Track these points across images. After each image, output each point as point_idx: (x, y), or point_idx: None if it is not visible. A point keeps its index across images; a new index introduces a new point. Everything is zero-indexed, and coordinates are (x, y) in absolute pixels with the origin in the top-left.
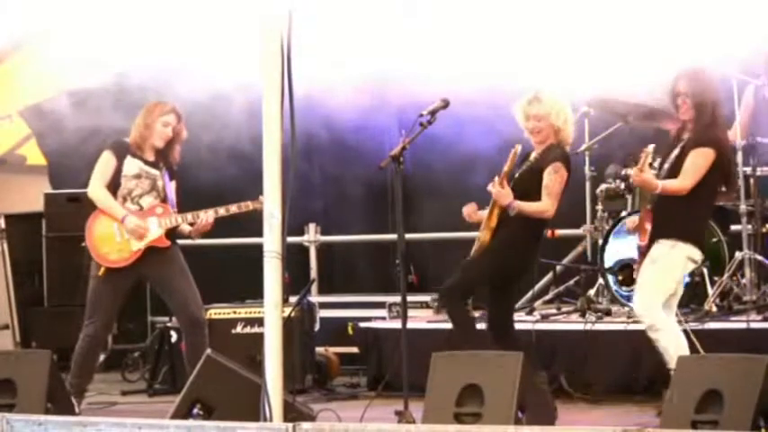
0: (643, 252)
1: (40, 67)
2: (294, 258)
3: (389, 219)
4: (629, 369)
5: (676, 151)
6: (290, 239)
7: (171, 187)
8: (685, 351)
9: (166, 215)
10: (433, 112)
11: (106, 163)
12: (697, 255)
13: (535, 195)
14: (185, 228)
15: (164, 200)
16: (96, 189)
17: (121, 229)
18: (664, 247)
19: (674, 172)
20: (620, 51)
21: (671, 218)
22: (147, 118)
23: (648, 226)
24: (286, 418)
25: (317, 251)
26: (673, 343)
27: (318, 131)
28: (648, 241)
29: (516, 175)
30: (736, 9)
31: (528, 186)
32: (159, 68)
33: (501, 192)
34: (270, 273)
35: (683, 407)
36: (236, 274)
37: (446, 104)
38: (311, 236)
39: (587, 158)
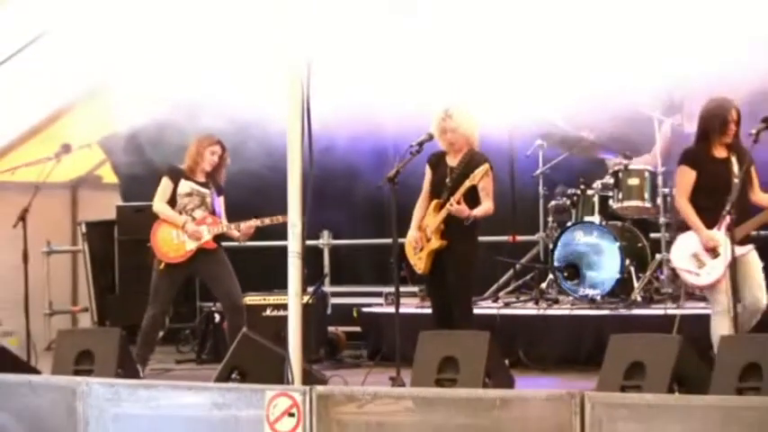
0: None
1: (109, 105)
2: (311, 258)
3: (386, 227)
4: (572, 345)
5: (736, 168)
6: (308, 243)
7: (219, 202)
8: None
9: (214, 225)
10: (420, 144)
11: (165, 185)
12: None
13: (465, 193)
14: (235, 233)
15: (212, 212)
16: (158, 205)
17: (178, 234)
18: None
19: (746, 184)
20: (572, 94)
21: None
22: (199, 147)
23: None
24: (304, 382)
25: (330, 252)
26: None
27: (330, 157)
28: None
29: (448, 182)
30: (655, 57)
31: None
32: (192, 105)
33: (460, 208)
34: (292, 269)
35: (614, 375)
36: (266, 270)
37: (431, 137)
38: (325, 240)
39: (541, 181)
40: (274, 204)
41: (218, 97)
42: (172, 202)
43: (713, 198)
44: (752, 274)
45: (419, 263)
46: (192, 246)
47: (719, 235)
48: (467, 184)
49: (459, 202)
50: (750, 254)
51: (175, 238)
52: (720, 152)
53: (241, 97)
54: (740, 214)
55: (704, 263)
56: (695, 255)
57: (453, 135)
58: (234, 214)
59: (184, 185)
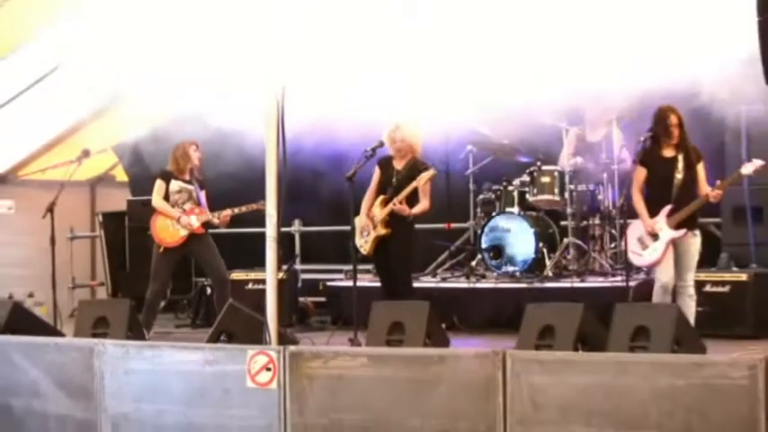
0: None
1: (119, 119)
2: (285, 241)
3: (346, 216)
4: (496, 312)
5: (681, 164)
6: (283, 229)
7: (202, 195)
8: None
9: (201, 214)
10: (373, 149)
11: (159, 185)
12: None
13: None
14: (215, 220)
15: (198, 203)
16: (157, 201)
17: (173, 223)
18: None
19: (694, 179)
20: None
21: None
22: (185, 149)
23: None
24: (279, 343)
25: (300, 237)
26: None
27: (298, 160)
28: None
29: (394, 182)
30: (561, 77)
31: (402, 188)
32: (182, 120)
33: (401, 207)
34: (269, 251)
35: (529, 336)
36: (248, 251)
37: (381, 144)
38: (296, 227)
39: (471, 179)
40: (249, 198)
41: (204, 113)
42: (166, 198)
43: (658, 191)
44: (684, 257)
45: (365, 245)
46: (184, 232)
47: (661, 221)
48: (413, 185)
49: (401, 202)
50: (687, 239)
51: (171, 226)
52: (669, 152)
53: (222, 113)
54: (685, 205)
55: (646, 245)
56: (640, 238)
57: (401, 143)
58: (216, 206)
59: (174, 184)
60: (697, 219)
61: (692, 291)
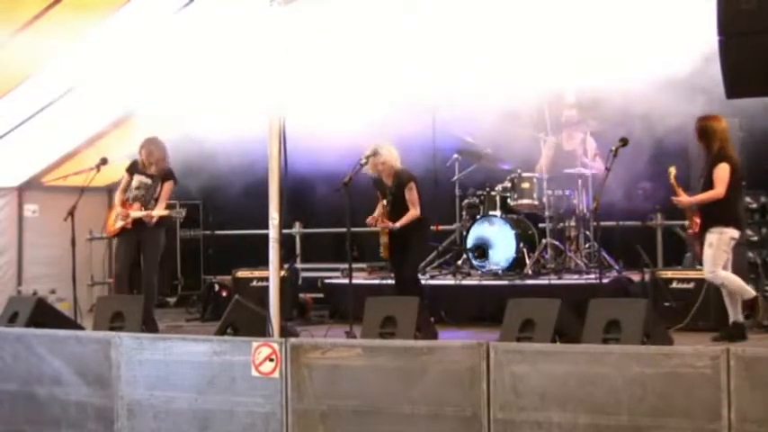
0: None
1: (133, 129)
2: (286, 242)
3: (342, 219)
4: (481, 307)
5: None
6: (285, 231)
7: (161, 189)
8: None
9: (137, 210)
10: (367, 158)
11: (123, 179)
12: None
13: (402, 201)
14: (146, 218)
15: (154, 199)
16: (117, 195)
17: (117, 215)
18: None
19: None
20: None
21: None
22: (142, 147)
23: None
24: (281, 335)
25: (300, 238)
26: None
27: (301, 167)
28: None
29: (389, 196)
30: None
31: (397, 199)
32: (186, 135)
33: (384, 224)
34: (272, 251)
35: (511, 329)
36: (253, 251)
37: (375, 153)
38: (296, 229)
39: (457, 184)
40: (239, 208)
41: (203, 131)
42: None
43: None
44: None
45: (383, 252)
46: (119, 224)
47: None
48: (378, 210)
49: (382, 221)
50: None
51: (113, 218)
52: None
53: (219, 132)
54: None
55: None
56: None
57: (383, 166)
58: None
59: (136, 179)
60: (712, 218)
61: (711, 279)
